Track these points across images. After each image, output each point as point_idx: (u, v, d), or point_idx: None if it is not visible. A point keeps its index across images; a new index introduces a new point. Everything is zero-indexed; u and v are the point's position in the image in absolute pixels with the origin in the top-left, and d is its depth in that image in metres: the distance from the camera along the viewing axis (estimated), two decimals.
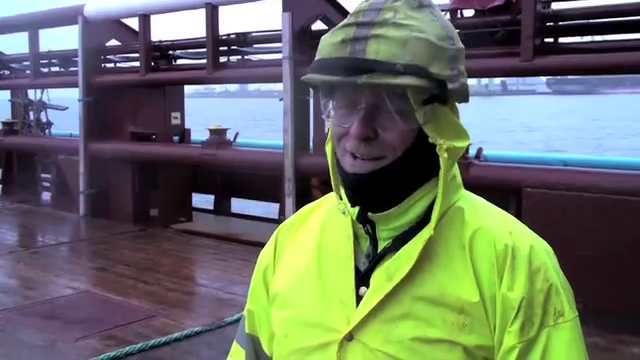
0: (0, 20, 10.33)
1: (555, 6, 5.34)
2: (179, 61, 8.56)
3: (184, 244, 7.21)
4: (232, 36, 7.57)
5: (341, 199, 1.11)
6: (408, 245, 1.03)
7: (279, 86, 6.69)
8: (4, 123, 10.97)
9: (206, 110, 54.36)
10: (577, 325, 1.01)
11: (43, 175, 10.41)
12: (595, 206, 4.59)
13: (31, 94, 10.75)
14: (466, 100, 1.05)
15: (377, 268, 1.05)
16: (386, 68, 0.94)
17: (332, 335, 1.05)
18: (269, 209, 8.96)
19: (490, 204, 1.12)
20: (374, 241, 1.07)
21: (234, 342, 1.29)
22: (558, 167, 5.73)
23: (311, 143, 6.81)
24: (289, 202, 6.48)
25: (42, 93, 10.55)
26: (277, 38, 6.85)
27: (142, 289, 5.40)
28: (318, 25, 6.95)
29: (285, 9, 6.51)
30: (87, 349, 4.13)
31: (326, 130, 1.13)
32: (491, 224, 1.05)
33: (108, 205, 8.42)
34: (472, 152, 5.61)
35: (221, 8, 7.47)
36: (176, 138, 8.55)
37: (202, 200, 9.45)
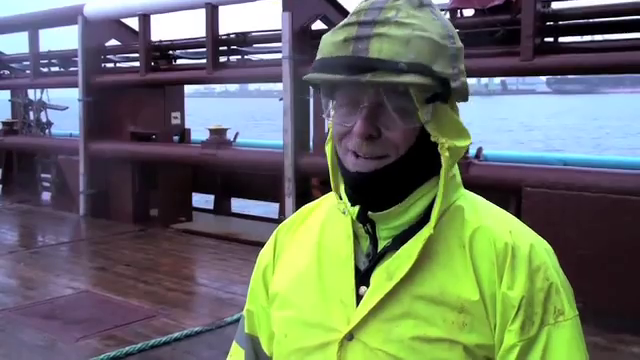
0: (0, 20, 10.32)
1: (555, 5, 5.34)
2: (179, 61, 8.57)
3: (184, 244, 7.21)
4: (232, 36, 7.57)
5: (341, 199, 1.11)
6: (408, 244, 1.03)
7: (279, 86, 6.69)
8: (4, 123, 10.97)
9: (206, 110, 54.37)
10: (577, 324, 1.01)
11: (43, 175, 10.42)
12: (595, 206, 4.59)
13: (31, 94, 10.76)
14: (465, 99, 1.05)
15: (377, 267, 1.05)
16: (389, 66, 0.94)
17: (332, 335, 1.05)
18: (269, 209, 8.96)
19: (490, 203, 1.12)
20: (374, 240, 1.07)
21: (234, 342, 1.29)
22: (558, 167, 5.73)
23: (311, 143, 6.81)
24: (289, 202, 6.48)
25: (42, 93, 10.56)
26: (277, 38, 6.85)
27: (142, 289, 5.40)
28: (318, 25, 6.96)
29: (285, 9, 6.51)
30: (87, 349, 4.13)
31: (326, 130, 1.13)
32: (491, 223, 1.05)
33: (108, 205, 8.42)
34: (472, 152, 5.61)
35: (221, 8, 7.48)
36: (176, 138, 8.56)
37: (202, 200, 9.45)
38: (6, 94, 11.32)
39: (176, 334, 4.30)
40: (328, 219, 1.15)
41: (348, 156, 1.03)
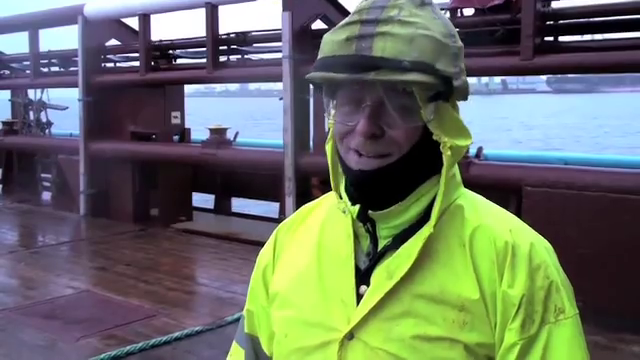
0: (0, 20, 10.32)
1: (555, 5, 5.34)
2: (179, 60, 8.57)
3: (184, 243, 7.21)
4: (232, 35, 7.57)
5: (341, 198, 1.11)
6: (408, 243, 1.03)
7: (279, 85, 6.69)
8: (4, 123, 10.98)
9: (206, 109, 54.36)
10: (578, 322, 1.02)
11: (43, 175, 10.42)
12: (595, 205, 4.60)
13: (31, 94, 10.76)
14: (465, 98, 1.05)
15: (377, 266, 1.05)
16: (393, 65, 0.94)
17: (332, 334, 1.05)
18: (269, 208, 8.96)
19: (489, 202, 1.12)
20: (374, 240, 1.07)
21: (234, 342, 1.29)
22: (558, 166, 5.73)
23: (311, 142, 6.81)
24: (289, 201, 6.48)
25: (42, 93, 10.56)
26: (277, 37, 6.85)
27: (142, 289, 5.40)
28: (318, 24, 6.96)
29: (285, 8, 6.51)
30: (88, 349, 4.13)
31: (326, 129, 1.13)
32: (491, 222, 1.05)
33: (108, 205, 8.42)
34: (472, 151, 5.61)
35: (221, 7, 7.48)
36: (176, 138, 8.56)
37: (202, 199, 9.45)
38: (6, 94, 11.33)
39: (177, 333, 4.30)
40: (328, 218, 1.15)
41: (350, 155, 1.03)
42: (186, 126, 8.64)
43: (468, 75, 1.06)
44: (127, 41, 8.97)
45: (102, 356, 3.93)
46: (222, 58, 7.65)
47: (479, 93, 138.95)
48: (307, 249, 1.15)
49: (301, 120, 6.69)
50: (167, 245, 7.08)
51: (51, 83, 10.23)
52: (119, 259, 6.38)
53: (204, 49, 7.56)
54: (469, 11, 5.70)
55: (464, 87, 1.03)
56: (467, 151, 1.08)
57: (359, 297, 1.04)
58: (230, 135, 7.93)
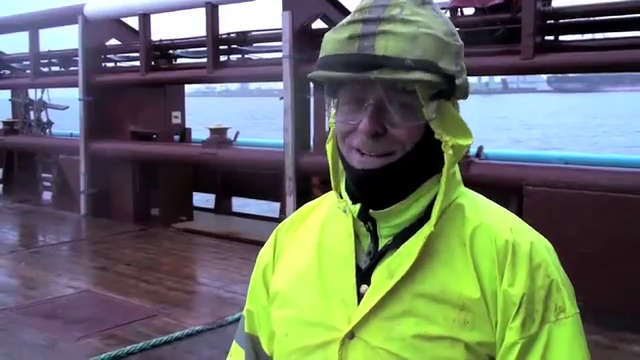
0: (0, 20, 10.33)
1: (555, 4, 5.34)
2: (179, 60, 8.57)
3: (185, 243, 7.22)
4: (232, 35, 7.58)
5: (341, 197, 1.10)
6: (409, 242, 1.03)
7: (280, 85, 6.69)
8: (5, 123, 10.99)
9: (206, 109, 54.37)
10: (578, 321, 1.02)
11: (44, 175, 10.43)
12: (596, 204, 4.59)
13: (31, 94, 10.78)
14: (466, 97, 1.05)
15: (378, 266, 1.05)
16: (396, 64, 0.94)
17: (333, 334, 1.05)
18: (270, 208, 8.97)
19: (490, 201, 1.12)
20: (375, 239, 1.07)
21: (234, 342, 1.28)
22: (559, 165, 5.74)
23: (311, 142, 6.81)
24: (290, 201, 6.49)
25: (42, 93, 10.57)
26: (277, 37, 6.85)
27: (143, 288, 5.40)
28: (318, 24, 6.96)
29: (285, 8, 6.51)
30: (88, 348, 4.13)
31: (327, 128, 1.12)
32: (492, 221, 1.05)
33: (109, 204, 8.42)
34: (473, 150, 5.61)
35: (221, 7, 7.48)
36: (177, 137, 8.56)
37: (203, 199, 9.46)
38: (6, 94, 11.34)
39: (177, 333, 4.30)
40: (328, 218, 1.15)
41: (353, 154, 1.02)
42: (186, 126, 8.64)
43: (468, 74, 1.06)
44: (127, 41, 8.97)
45: (103, 356, 3.93)
46: (222, 58, 7.66)
47: (479, 92, 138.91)
48: (307, 249, 1.14)
49: (301, 120, 6.69)
50: (168, 245, 7.08)
51: (51, 83, 10.23)
52: (120, 259, 6.38)
53: (204, 49, 7.56)
54: (469, 10, 5.70)
55: (465, 86, 1.03)
56: (468, 150, 1.07)
57: (360, 296, 1.04)
58: (230, 135, 7.93)
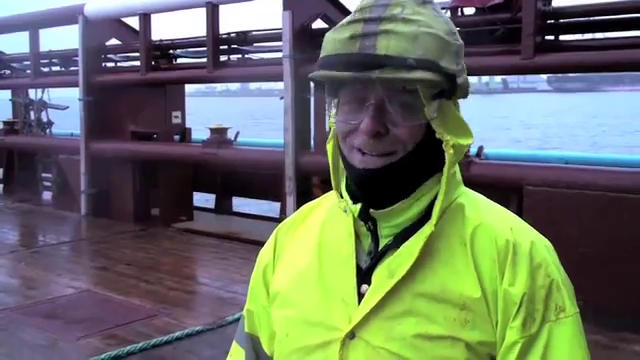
0: (0, 20, 10.33)
1: (555, 3, 5.34)
2: (179, 60, 8.57)
3: (185, 243, 7.22)
4: (232, 35, 7.58)
5: (342, 197, 1.10)
6: (409, 242, 1.03)
7: (280, 84, 6.69)
8: (5, 123, 10.99)
9: (207, 109, 54.37)
10: (578, 321, 1.02)
11: (44, 174, 10.43)
12: (596, 204, 4.59)
13: (32, 94, 10.78)
14: (466, 96, 1.05)
15: (378, 265, 1.05)
16: (398, 63, 0.94)
17: (334, 333, 1.05)
18: (270, 208, 8.96)
19: (490, 201, 1.12)
20: (375, 238, 1.07)
21: (234, 342, 1.28)
22: (559, 165, 5.73)
23: (312, 141, 6.81)
24: (290, 201, 6.49)
25: (43, 93, 10.57)
26: (277, 37, 6.85)
27: (143, 288, 5.40)
28: (318, 24, 6.96)
29: (285, 8, 6.51)
30: (88, 348, 4.13)
31: (327, 128, 1.12)
32: (492, 220, 1.05)
33: (109, 204, 8.42)
34: (473, 150, 5.61)
35: (221, 7, 7.47)
36: (177, 137, 8.56)
37: (203, 199, 9.45)
38: (7, 94, 11.34)
39: (177, 333, 4.30)
40: (329, 218, 1.15)
41: (354, 153, 1.02)
42: (187, 126, 8.64)
43: (469, 74, 1.06)
44: (127, 41, 8.97)
45: (103, 356, 3.93)
46: (223, 58, 7.65)
47: (480, 92, 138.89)
48: (308, 248, 1.14)
49: (302, 119, 6.69)
50: (168, 245, 7.08)
51: (52, 83, 10.23)
52: (120, 259, 6.38)
53: (205, 49, 7.56)
54: (470, 10, 5.70)
55: (466, 85, 1.03)
56: (468, 150, 1.07)
57: (360, 296, 1.04)
58: (231, 135, 7.93)
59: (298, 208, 1.26)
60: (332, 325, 1.05)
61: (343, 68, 0.97)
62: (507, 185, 5.15)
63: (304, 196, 6.25)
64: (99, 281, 5.71)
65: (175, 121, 8.30)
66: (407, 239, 1.03)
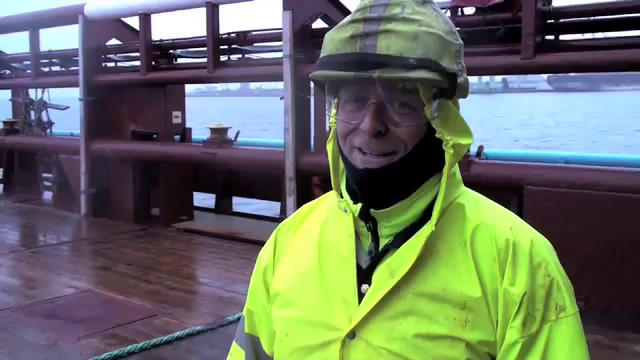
0: (0, 20, 10.33)
1: (556, 3, 5.34)
2: (180, 60, 8.56)
3: (185, 243, 7.22)
4: (232, 35, 7.58)
5: (342, 197, 1.10)
6: (409, 241, 1.03)
7: (281, 84, 6.68)
8: (5, 122, 10.98)
9: (207, 109, 54.36)
10: (578, 320, 1.02)
11: (44, 174, 10.43)
12: (596, 204, 4.59)
13: (32, 93, 10.77)
14: (465, 96, 1.05)
15: (379, 265, 1.05)
16: (398, 62, 0.94)
17: (334, 333, 1.05)
18: (270, 207, 8.96)
19: (490, 201, 1.12)
20: (376, 238, 1.07)
21: (233, 343, 1.28)
22: (559, 165, 5.73)
23: (312, 141, 6.81)
24: (290, 201, 6.48)
25: (43, 92, 10.57)
26: (277, 37, 6.85)
27: (144, 288, 5.40)
28: (318, 24, 6.95)
29: (285, 8, 6.51)
30: (89, 348, 4.13)
31: (327, 128, 1.12)
32: (492, 220, 1.05)
33: (109, 204, 8.43)
34: (473, 150, 5.61)
35: (221, 7, 7.48)
36: (177, 137, 8.56)
37: (203, 199, 9.45)
38: (7, 94, 11.34)
39: (178, 333, 4.30)
40: (329, 218, 1.15)
41: (355, 153, 1.02)
42: (187, 126, 8.64)
43: (469, 74, 1.07)
44: (128, 41, 8.98)
45: (103, 356, 3.93)
46: (223, 58, 7.65)
47: (480, 92, 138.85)
48: (308, 248, 1.14)
49: (302, 119, 6.68)
50: (168, 244, 7.08)
51: (52, 83, 10.23)
52: (120, 259, 6.38)
53: (205, 49, 7.56)
54: (470, 10, 5.70)
55: (466, 85, 1.03)
56: (468, 150, 1.07)
57: (361, 296, 1.04)
58: (231, 135, 7.93)
59: (298, 208, 1.26)
60: (332, 325, 1.05)
61: (344, 68, 0.97)
62: (507, 185, 5.15)
63: (304, 196, 6.25)
64: (99, 281, 5.71)
65: (175, 121, 8.30)
66: (407, 239, 1.03)
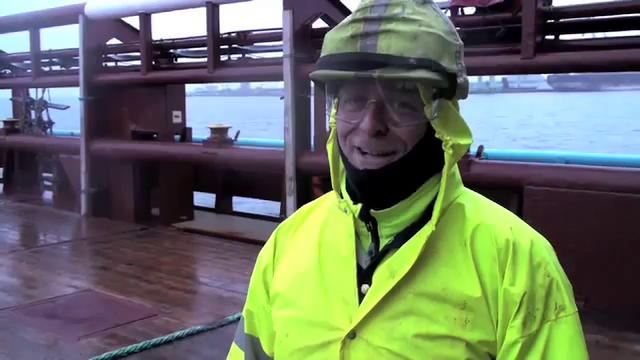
0: (1, 19, 10.33)
1: (556, 3, 5.34)
2: (180, 60, 8.57)
3: (185, 243, 7.22)
4: (233, 35, 7.58)
5: (342, 197, 1.10)
6: (410, 241, 1.03)
7: (281, 84, 6.68)
8: (6, 122, 10.98)
9: (207, 108, 54.35)
10: (578, 320, 1.02)
11: (44, 174, 10.43)
12: (596, 204, 4.59)
13: (32, 93, 10.78)
14: (465, 96, 1.05)
15: (379, 265, 1.05)
16: (399, 62, 0.94)
17: (334, 333, 1.05)
18: (270, 207, 8.96)
19: (490, 201, 1.12)
20: (376, 238, 1.07)
21: (233, 343, 1.28)
22: (559, 165, 5.73)
23: (312, 141, 6.81)
24: (290, 200, 6.49)
25: (43, 92, 10.57)
26: (278, 36, 6.85)
27: (144, 288, 5.41)
28: (319, 23, 6.95)
29: (286, 7, 6.51)
30: (89, 348, 4.13)
31: (327, 128, 1.12)
32: (492, 220, 1.05)
33: (109, 204, 8.43)
34: (473, 150, 5.61)
35: (222, 7, 7.48)
36: (177, 137, 8.56)
37: (203, 199, 9.45)
38: (7, 93, 11.34)
39: (178, 333, 4.31)
40: (329, 218, 1.15)
41: (355, 153, 1.03)
42: (187, 125, 8.64)
43: (469, 74, 1.07)
44: (128, 40, 8.98)
45: (103, 355, 3.93)
46: (223, 57, 7.65)
47: (480, 92, 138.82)
48: (308, 249, 1.14)
49: (302, 119, 6.68)
50: (168, 244, 7.08)
51: (52, 82, 10.23)
52: (120, 258, 6.38)
53: (205, 48, 7.56)
54: (470, 10, 5.70)
55: (466, 85, 1.03)
56: (468, 150, 1.08)
57: (361, 296, 1.04)
58: (231, 134, 7.94)
59: (298, 208, 1.25)
60: (333, 325, 1.05)
61: (344, 67, 0.97)
62: (507, 185, 5.15)
63: (304, 196, 6.26)
64: (100, 281, 5.71)
65: (175, 121, 8.30)
66: (407, 239, 1.03)
